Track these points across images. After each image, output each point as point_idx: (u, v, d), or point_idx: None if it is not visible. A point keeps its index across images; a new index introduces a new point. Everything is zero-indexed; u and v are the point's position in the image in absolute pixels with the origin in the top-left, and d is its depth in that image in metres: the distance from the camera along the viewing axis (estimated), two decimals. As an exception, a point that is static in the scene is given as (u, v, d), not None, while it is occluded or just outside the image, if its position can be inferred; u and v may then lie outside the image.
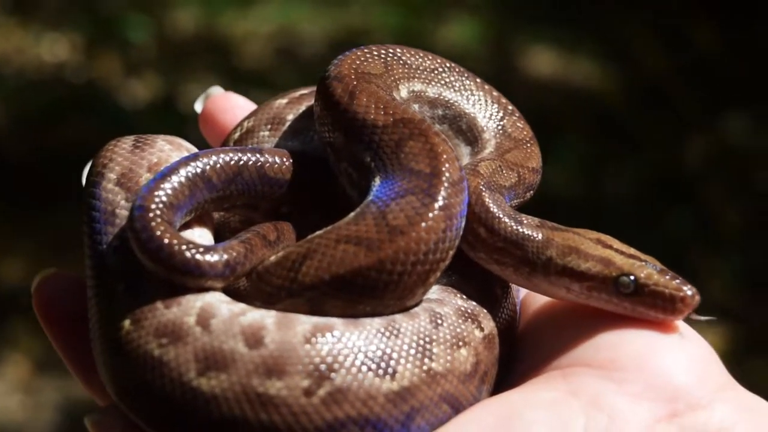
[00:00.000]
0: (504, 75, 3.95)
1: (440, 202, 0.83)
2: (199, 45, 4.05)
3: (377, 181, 0.86)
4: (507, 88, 3.77)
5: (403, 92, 0.98)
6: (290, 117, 1.01)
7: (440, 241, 0.82)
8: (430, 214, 0.82)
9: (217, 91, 1.11)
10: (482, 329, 0.86)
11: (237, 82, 3.84)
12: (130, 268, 0.83)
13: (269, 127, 1.01)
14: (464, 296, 0.89)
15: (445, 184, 0.84)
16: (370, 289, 0.81)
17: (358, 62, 0.95)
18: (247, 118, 1.03)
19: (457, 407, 0.82)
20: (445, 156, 0.86)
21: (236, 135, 1.02)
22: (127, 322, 0.81)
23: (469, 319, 0.86)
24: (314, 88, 1.01)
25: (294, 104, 1.02)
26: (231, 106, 1.09)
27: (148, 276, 0.82)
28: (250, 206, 0.93)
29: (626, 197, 3.37)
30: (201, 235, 0.89)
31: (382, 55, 0.98)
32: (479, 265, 0.92)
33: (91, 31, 3.99)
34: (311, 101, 1.00)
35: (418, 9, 4.22)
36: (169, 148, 0.92)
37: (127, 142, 0.92)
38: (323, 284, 0.81)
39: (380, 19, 4.20)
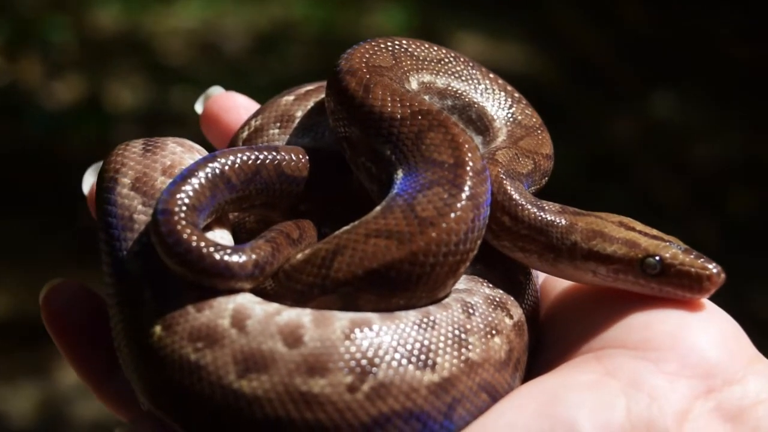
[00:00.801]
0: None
1: (467, 192, 0.83)
2: (121, 43, 4.00)
3: (400, 173, 0.86)
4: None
5: (414, 84, 0.97)
6: (299, 114, 1.00)
7: (469, 231, 0.82)
8: (459, 205, 0.82)
9: (217, 90, 1.09)
10: (511, 317, 0.86)
11: (162, 80, 3.80)
12: (154, 273, 0.82)
13: (278, 124, 1.00)
14: (490, 285, 0.89)
15: (470, 174, 0.84)
16: (403, 283, 0.81)
17: (367, 55, 0.95)
18: (254, 116, 1.02)
19: (494, 396, 0.82)
20: (467, 146, 0.86)
21: (244, 134, 1.01)
22: (158, 328, 0.79)
23: (499, 308, 0.86)
24: (320, 84, 1.01)
25: (301, 101, 1.01)
26: (234, 105, 1.08)
27: (175, 280, 0.81)
28: (268, 205, 0.92)
29: (560, 176, 3.40)
30: (222, 237, 0.88)
31: (389, 48, 0.97)
32: (502, 254, 0.92)
33: (10, 33, 3.92)
34: (318, 97, 1.00)
35: (338, 0, 4.22)
36: (180, 150, 0.91)
37: (136, 146, 0.90)
38: (356, 279, 0.81)
39: (303, 11, 4.20)
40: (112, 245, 0.85)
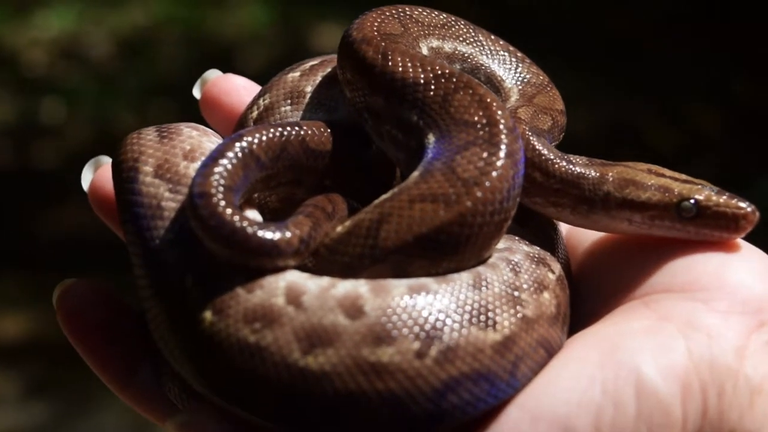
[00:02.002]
0: (296, 55, 4.00)
1: (504, 150, 0.82)
2: (-19, 58, 3.95)
3: (431, 138, 0.85)
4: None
5: (424, 50, 0.96)
6: (309, 89, 0.98)
7: (511, 188, 0.82)
8: (499, 163, 0.81)
9: (214, 74, 1.06)
10: (553, 272, 0.86)
11: (29, 92, 3.77)
12: (193, 259, 0.80)
13: (289, 101, 0.98)
14: (527, 242, 0.89)
15: (504, 132, 0.83)
16: (453, 245, 0.80)
17: (377, 24, 0.93)
18: (260, 96, 0.99)
19: (550, 351, 0.82)
20: (495, 105, 0.85)
21: (254, 114, 0.98)
22: (208, 314, 0.77)
23: (541, 264, 0.86)
24: (323, 58, 1.00)
25: (309, 76, 0.99)
26: (234, 87, 1.04)
27: (216, 264, 0.79)
28: (295, 182, 0.90)
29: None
30: (254, 217, 0.86)
31: (395, 15, 0.96)
32: (531, 211, 0.93)
33: None
34: (325, 71, 0.99)
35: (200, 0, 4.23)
36: (197, 134, 0.88)
37: (150, 134, 0.88)
38: (407, 246, 0.80)
39: (164, 13, 4.19)
40: (142, 236, 0.82)
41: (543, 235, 0.93)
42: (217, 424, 0.80)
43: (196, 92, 1.06)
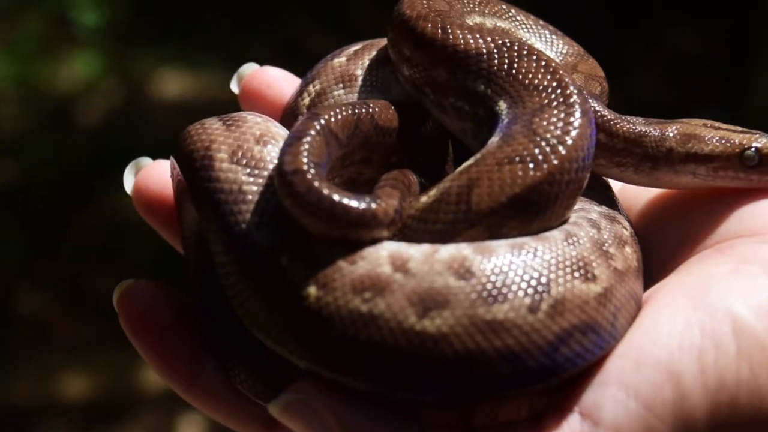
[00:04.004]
0: (135, 102, 3.97)
1: (579, 109, 0.84)
2: None
3: (503, 105, 0.87)
4: (141, 115, 3.80)
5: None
6: (359, 72, 1.00)
7: (590, 146, 0.84)
8: (578, 122, 0.83)
9: (252, 67, 1.06)
10: (625, 228, 0.88)
11: None
12: (285, 238, 0.80)
13: (341, 85, 0.99)
14: (596, 202, 0.91)
15: (576, 92, 0.86)
16: (544, 204, 0.82)
17: (425, 1, 0.95)
18: (309, 83, 1.00)
19: (638, 303, 0.84)
20: (560, 69, 0.88)
21: (305, 100, 0.99)
22: (312, 289, 0.78)
23: (614, 221, 0.88)
24: (365, 43, 1.02)
25: (355, 60, 1.01)
26: (274, 79, 1.04)
27: (310, 240, 0.79)
28: (365, 161, 0.91)
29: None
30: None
31: None
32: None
33: None
34: (371, 53, 1.00)
35: (31, 54, 4.15)
36: (262, 119, 0.89)
37: (215, 123, 0.88)
38: (502, 207, 0.81)
39: (-3, 71, 4.10)
40: (226, 221, 0.82)
41: (605, 196, 0.94)
42: (325, 398, 0.79)
43: (234, 87, 1.06)
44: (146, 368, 2.98)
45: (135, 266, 3.27)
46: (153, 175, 0.96)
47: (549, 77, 0.87)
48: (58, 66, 4.13)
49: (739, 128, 0.94)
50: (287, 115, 1.00)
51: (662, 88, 3.93)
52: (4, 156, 3.72)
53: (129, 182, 0.97)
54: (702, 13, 4.20)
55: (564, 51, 1.05)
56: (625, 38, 4.05)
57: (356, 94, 0.99)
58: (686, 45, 4.20)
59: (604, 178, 0.98)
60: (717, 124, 0.94)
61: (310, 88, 1.00)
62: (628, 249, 0.86)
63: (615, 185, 0.99)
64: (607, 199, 0.94)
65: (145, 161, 0.97)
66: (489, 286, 0.77)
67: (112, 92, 4.03)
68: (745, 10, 3.96)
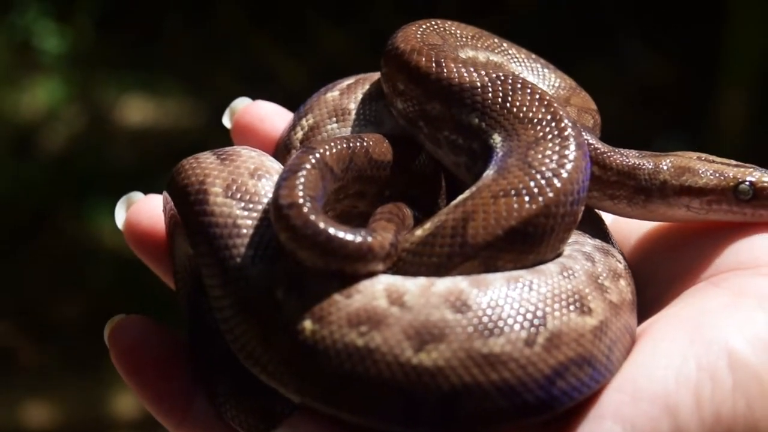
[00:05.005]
0: (98, 129, 3.95)
1: (574, 142, 0.85)
2: None
3: (497, 138, 0.87)
4: (104, 142, 3.78)
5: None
6: (352, 106, 1.00)
7: (584, 179, 0.84)
8: (573, 155, 0.84)
9: (244, 101, 1.05)
10: (620, 261, 0.88)
11: None
12: (280, 271, 0.80)
13: (335, 119, 0.99)
14: (589, 235, 0.90)
15: (570, 125, 0.86)
16: (539, 237, 0.82)
17: (419, 35, 0.95)
18: (301, 117, 1.00)
19: (632, 336, 0.83)
20: (554, 102, 0.88)
21: (299, 134, 0.99)
22: (307, 323, 0.77)
23: (608, 254, 0.88)
24: (358, 77, 1.02)
25: (348, 94, 1.01)
26: (267, 113, 1.04)
27: (305, 274, 0.79)
28: (359, 194, 0.91)
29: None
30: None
31: (431, 28, 0.98)
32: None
33: None
34: (364, 87, 1.01)
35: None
36: (256, 153, 0.89)
37: (209, 157, 0.88)
38: (498, 240, 0.81)
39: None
40: (220, 256, 0.81)
41: (598, 229, 0.94)
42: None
43: (226, 121, 1.06)
44: (113, 395, 2.96)
45: (97, 294, 3.24)
46: (144, 209, 0.95)
47: (543, 110, 0.87)
48: (20, 93, 4.10)
49: (733, 162, 0.94)
50: (280, 149, 1.00)
51: (628, 113, 3.96)
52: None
53: (120, 217, 0.96)
54: (666, 39, 4.24)
55: (556, 84, 1.05)
56: (588, 63, 4.08)
57: (349, 128, 0.99)
58: (650, 71, 4.23)
59: (597, 211, 0.98)
60: (711, 158, 0.95)
61: (303, 122, 1.00)
62: (622, 282, 0.85)
63: (607, 218, 0.99)
64: (601, 232, 0.94)
65: (137, 196, 0.97)
66: (485, 319, 0.77)
67: (75, 119, 4.01)
68: (710, 37, 4.00)
